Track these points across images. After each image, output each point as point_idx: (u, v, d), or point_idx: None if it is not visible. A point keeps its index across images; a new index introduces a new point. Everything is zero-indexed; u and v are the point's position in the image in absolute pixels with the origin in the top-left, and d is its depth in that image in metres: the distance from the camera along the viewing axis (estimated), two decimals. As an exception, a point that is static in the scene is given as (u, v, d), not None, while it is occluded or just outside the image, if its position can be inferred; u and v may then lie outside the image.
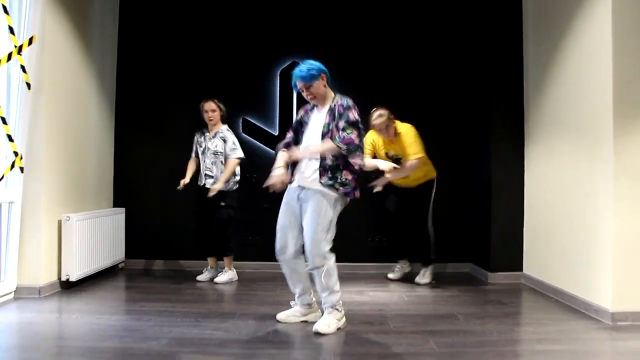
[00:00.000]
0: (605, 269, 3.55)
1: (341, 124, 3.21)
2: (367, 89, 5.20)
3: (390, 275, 4.94)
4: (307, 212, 3.22)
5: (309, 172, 3.27)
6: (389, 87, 5.36)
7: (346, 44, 5.43)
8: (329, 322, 3.22)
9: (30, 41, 3.97)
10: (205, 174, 4.76)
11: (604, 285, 3.55)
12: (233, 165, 4.69)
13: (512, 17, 4.95)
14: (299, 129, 3.45)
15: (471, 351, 2.90)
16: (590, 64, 3.78)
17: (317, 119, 3.35)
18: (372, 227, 5.34)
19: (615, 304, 3.46)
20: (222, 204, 4.69)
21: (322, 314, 3.34)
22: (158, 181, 5.47)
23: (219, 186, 4.59)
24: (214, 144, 4.74)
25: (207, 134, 4.80)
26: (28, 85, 3.98)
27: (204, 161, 4.77)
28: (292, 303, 3.51)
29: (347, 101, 3.28)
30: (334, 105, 3.29)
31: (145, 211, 5.47)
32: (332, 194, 3.20)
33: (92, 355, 2.80)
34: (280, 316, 3.44)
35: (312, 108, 3.43)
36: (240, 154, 4.75)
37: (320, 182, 3.20)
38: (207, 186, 4.70)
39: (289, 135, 3.50)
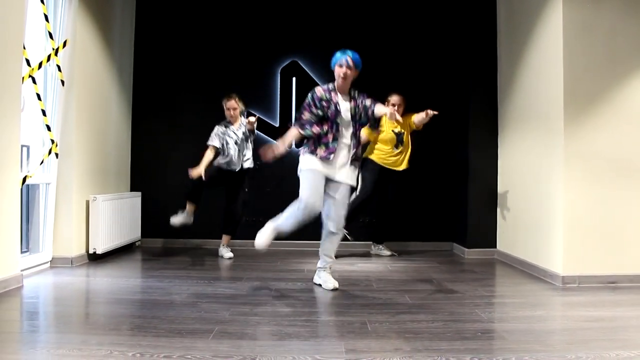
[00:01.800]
0: (557, 239, 4.17)
1: (368, 102, 3.86)
2: (365, 78, 5.79)
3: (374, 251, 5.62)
4: (342, 187, 3.84)
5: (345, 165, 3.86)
6: (380, 79, 5.95)
7: (341, 43, 6.02)
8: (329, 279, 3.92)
9: (65, 44, 4.58)
10: (244, 159, 5.26)
11: (557, 253, 4.17)
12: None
13: (488, 14, 5.58)
14: (325, 106, 3.77)
15: (438, 303, 3.51)
16: (547, 61, 4.39)
17: (343, 102, 3.83)
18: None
19: (566, 268, 4.09)
20: (246, 189, 5.34)
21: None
22: (171, 168, 6.08)
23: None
24: (242, 132, 5.24)
25: (232, 126, 5.26)
26: (62, 82, 4.59)
27: (239, 149, 5.22)
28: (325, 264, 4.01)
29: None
30: (355, 94, 3.89)
31: (159, 195, 6.08)
32: None
33: (126, 304, 3.42)
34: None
35: (330, 91, 3.82)
36: None
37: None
38: (247, 167, 5.28)
39: (308, 115, 3.79)
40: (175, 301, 3.45)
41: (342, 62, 3.78)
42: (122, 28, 5.81)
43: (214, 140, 5.24)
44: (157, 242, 6.05)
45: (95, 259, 4.97)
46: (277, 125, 6.08)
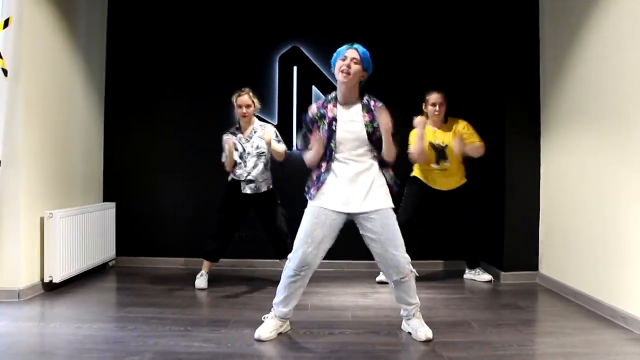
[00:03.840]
0: (633, 271, 3.23)
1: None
2: (373, 79, 4.86)
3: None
4: (388, 225, 2.91)
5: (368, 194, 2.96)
6: (395, 77, 5.01)
7: (352, 29, 5.07)
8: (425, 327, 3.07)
9: (6, 23, 3.65)
10: (248, 179, 4.19)
11: (632, 289, 3.23)
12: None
13: (527, 3, 4.60)
14: (317, 125, 2.97)
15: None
16: (618, 47, 3.43)
17: (349, 115, 2.94)
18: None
19: (648, 312, 3.16)
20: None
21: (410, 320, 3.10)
22: (152, 174, 5.17)
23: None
24: (254, 145, 4.20)
25: (240, 135, 4.23)
26: (4, 71, 3.66)
27: (245, 165, 4.20)
28: (265, 317, 3.14)
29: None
30: (367, 102, 2.96)
31: (137, 206, 5.17)
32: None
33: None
34: (264, 335, 3.00)
35: (327, 104, 2.98)
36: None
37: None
38: (247, 192, 4.20)
39: (300, 142, 3.12)
40: (131, 369, 2.54)
41: (346, 53, 2.89)
42: (90, 9, 4.86)
43: (224, 154, 4.21)
44: (135, 261, 5.13)
45: (52, 288, 4.06)
46: (275, 123, 5.13)
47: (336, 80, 2.94)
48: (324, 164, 2.95)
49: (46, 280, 4.00)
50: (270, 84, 5.14)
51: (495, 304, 3.88)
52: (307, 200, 3.02)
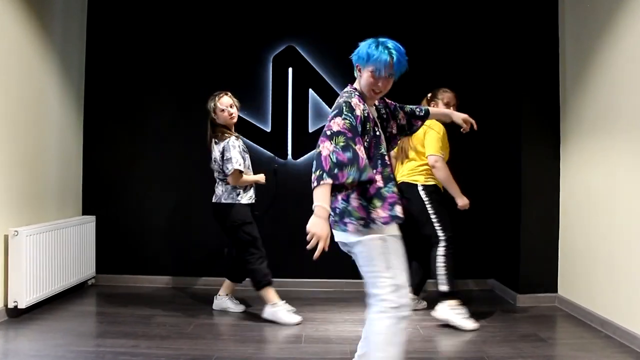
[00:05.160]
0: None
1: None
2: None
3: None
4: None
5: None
6: (401, 79, 4.59)
7: (352, 27, 4.65)
8: None
9: (-39, 19, 3.25)
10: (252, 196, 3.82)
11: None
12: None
13: (546, 3, 4.18)
14: (366, 129, 2.22)
15: None
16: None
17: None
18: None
19: (691, 349, 2.73)
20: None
21: None
22: (135, 185, 4.77)
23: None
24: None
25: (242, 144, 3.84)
26: (-40, 73, 3.26)
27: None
28: None
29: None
30: (383, 104, 2.47)
31: (119, 219, 4.76)
32: None
33: None
34: None
35: (361, 99, 2.26)
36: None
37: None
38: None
39: (359, 144, 2.13)
40: None
41: (383, 71, 2.21)
42: (67, 10, 4.45)
43: (239, 162, 3.67)
44: (117, 280, 4.71)
45: (18, 314, 3.64)
46: (268, 130, 4.72)
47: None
48: (377, 177, 2.20)
49: (10, 305, 3.59)
50: (263, 87, 4.73)
51: (512, 334, 3.44)
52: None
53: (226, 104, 3.75)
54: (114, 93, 4.77)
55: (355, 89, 2.28)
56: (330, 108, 2.25)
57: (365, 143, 2.18)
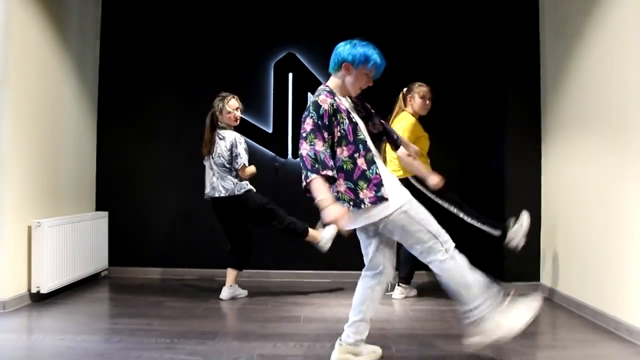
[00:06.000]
0: (635, 281, 3.11)
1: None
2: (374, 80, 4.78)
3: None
4: None
5: None
6: (392, 78, 4.91)
7: (349, 34, 4.97)
8: None
9: (-8, 28, 3.59)
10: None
11: (636, 300, 3.11)
12: None
13: (527, 8, 4.52)
14: (338, 121, 2.48)
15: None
16: (619, 49, 3.32)
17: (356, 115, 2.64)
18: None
19: (653, 324, 3.02)
20: None
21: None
22: (145, 183, 5.09)
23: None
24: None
25: None
26: (-10, 77, 3.60)
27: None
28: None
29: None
30: (358, 100, 2.73)
31: (130, 215, 5.08)
32: None
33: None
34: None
35: (330, 95, 2.54)
36: None
37: None
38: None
39: (323, 139, 2.43)
40: (111, 383, 2.43)
41: (379, 69, 2.61)
42: (83, 12, 4.79)
43: (246, 158, 4.09)
44: (128, 272, 5.03)
45: (39, 299, 3.96)
46: (270, 131, 5.04)
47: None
48: (359, 161, 2.47)
49: (33, 290, 3.90)
50: (265, 91, 5.07)
51: (494, 315, 3.75)
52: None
53: (233, 107, 4.10)
54: (125, 96, 5.11)
55: (327, 86, 2.59)
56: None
57: (341, 132, 2.47)
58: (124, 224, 5.06)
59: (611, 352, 2.94)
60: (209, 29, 5.09)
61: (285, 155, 5.02)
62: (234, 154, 4.02)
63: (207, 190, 4.18)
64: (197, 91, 5.05)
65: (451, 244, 2.59)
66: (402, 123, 4.06)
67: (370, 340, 2.85)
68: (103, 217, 4.96)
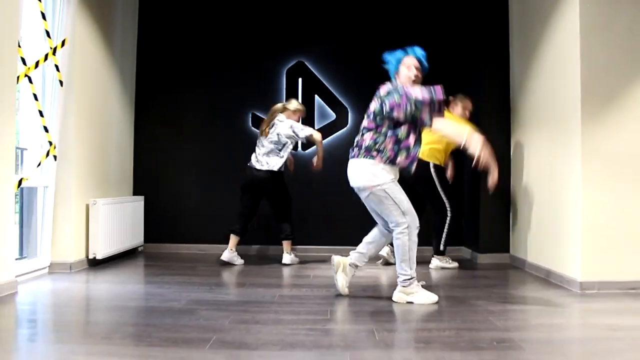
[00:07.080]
0: (574, 244, 3.97)
1: None
2: (371, 85, 5.64)
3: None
4: None
5: None
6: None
7: (349, 46, 5.88)
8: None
9: (63, 43, 4.46)
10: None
11: (574, 258, 3.97)
12: None
13: (500, 11, 5.41)
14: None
15: (450, 310, 3.33)
16: (563, 59, 4.20)
17: None
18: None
19: (584, 274, 3.88)
20: None
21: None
22: (175, 171, 5.95)
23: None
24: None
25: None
26: (61, 82, 4.47)
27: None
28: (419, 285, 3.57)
29: None
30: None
31: (162, 200, 5.95)
32: None
33: (121, 310, 3.26)
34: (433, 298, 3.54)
35: None
36: None
37: None
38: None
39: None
40: (173, 308, 3.29)
41: (421, 60, 3.74)
42: (124, 28, 5.69)
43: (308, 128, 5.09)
44: (161, 247, 5.91)
45: (95, 264, 4.83)
46: (282, 127, 5.92)
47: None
48: (411, 138, 3.42)
49: (90, 256, 4.77)
50: (278, 94, 5.93)
51: (467, 275, 4.63)
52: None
53: (300, 113, 5.19)
54: (158, 99, 5.99)
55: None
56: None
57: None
58: (157, 207, 5.93)
59: (550, 294, 3.80)
60: (230, 41, 5.97)
61: (295, 148, 5.87)
62: (295, 130, 4.94)
63: (253, 162, 5.03)
64: (220, 94, 5.93)
65: (413, 225, 3.46)
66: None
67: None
68: (140, 200, 5.83)
